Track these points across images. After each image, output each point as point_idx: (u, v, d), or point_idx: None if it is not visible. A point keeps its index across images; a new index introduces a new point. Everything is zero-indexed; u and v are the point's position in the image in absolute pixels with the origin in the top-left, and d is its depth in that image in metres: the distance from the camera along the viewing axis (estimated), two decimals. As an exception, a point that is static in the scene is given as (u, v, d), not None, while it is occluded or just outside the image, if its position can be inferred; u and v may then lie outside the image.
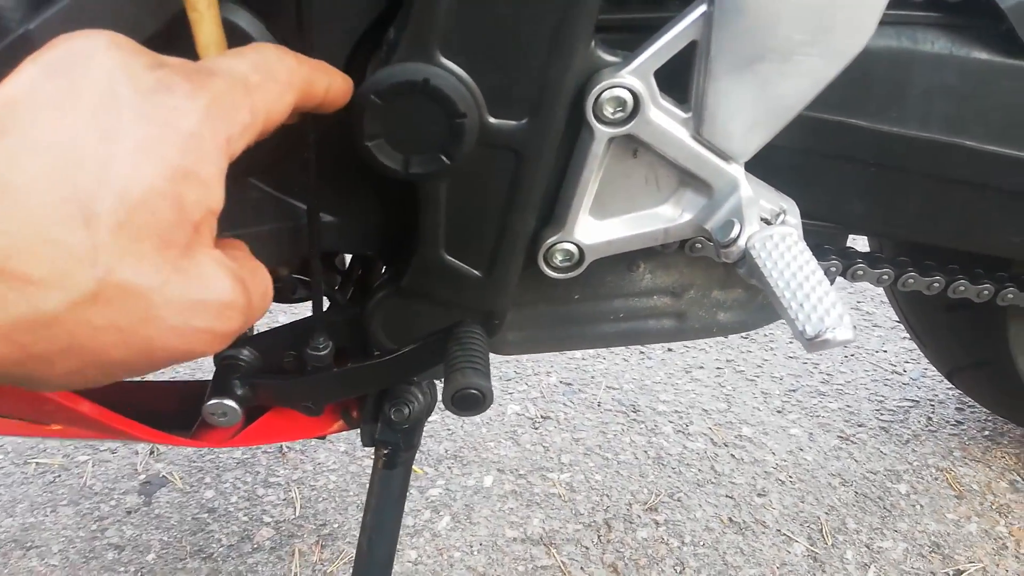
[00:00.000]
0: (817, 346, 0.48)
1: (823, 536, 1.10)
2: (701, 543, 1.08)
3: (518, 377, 1.41)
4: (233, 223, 0.59)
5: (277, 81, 0.39)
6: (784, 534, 1.10)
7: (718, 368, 1.46)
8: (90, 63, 0.33)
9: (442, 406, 0.57)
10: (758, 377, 1.44)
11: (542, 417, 1.32)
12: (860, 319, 1.62)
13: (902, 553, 1.08)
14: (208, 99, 0.35)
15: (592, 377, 1.42)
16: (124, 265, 0.31)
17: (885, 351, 1.52)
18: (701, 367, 1.46)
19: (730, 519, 1.12)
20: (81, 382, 0.34)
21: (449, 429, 1.28)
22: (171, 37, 0.48)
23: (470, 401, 0.54)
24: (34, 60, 0.33)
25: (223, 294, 0.35)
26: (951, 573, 1.05)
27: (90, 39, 0.34)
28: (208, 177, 0.34)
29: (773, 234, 0.54)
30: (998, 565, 1.07)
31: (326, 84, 0.45)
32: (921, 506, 1.16)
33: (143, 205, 0.32)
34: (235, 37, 0.52)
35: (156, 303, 0.33)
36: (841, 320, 0.47)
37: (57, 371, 0.32)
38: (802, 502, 1.15)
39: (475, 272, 0.61)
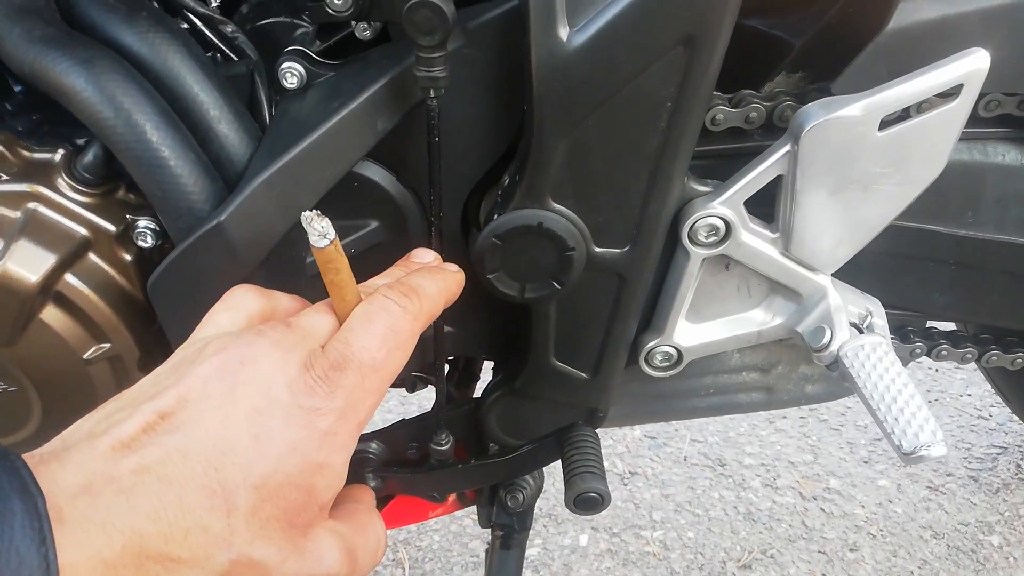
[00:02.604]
0: (912, 460, 0.52)
1: (918, 592, 1.12)
2: (796, 601, 1.11)
3: (602, 432, 1.45)
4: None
5: (403, 346, 0.42)
6: (878, 590, 1.12)
7: (801, 418, 1.48)
8: (253, 368, 0.38)
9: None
10: (842, 426, 1.46)
11: (630, 473, 1.36)
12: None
13: (999, 608, 1.09)
14: (343, 399, 0.39)
15: (676, 430, 1.46)
16: (254, 547, 0.36)
17: (969, 395, 1.52)
18: (784, 417, 1.48)
19: (824, 576, 1.15)
20: None
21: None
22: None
23: (591, 503, 0.60)
24: (206, 360, 0.39)
25: (331, 568, 0.39)
26: (1052, 628, 1.06)
27: (253, 345, 0.39)
28: (338, 465, 0.39)
29: (864, 344, 0.59)
30: (1101, 619, 1.07)
31: (450, 297, 0.49)
32: (1015, 558, 1.16)
33: (278, 494, 0.37)
34: (367, 190, 0.60)
35: None
36: (935, 436, 0.51)
37: None
38: (895, 556, 1.17)
39: (582, 374, 0.68)
